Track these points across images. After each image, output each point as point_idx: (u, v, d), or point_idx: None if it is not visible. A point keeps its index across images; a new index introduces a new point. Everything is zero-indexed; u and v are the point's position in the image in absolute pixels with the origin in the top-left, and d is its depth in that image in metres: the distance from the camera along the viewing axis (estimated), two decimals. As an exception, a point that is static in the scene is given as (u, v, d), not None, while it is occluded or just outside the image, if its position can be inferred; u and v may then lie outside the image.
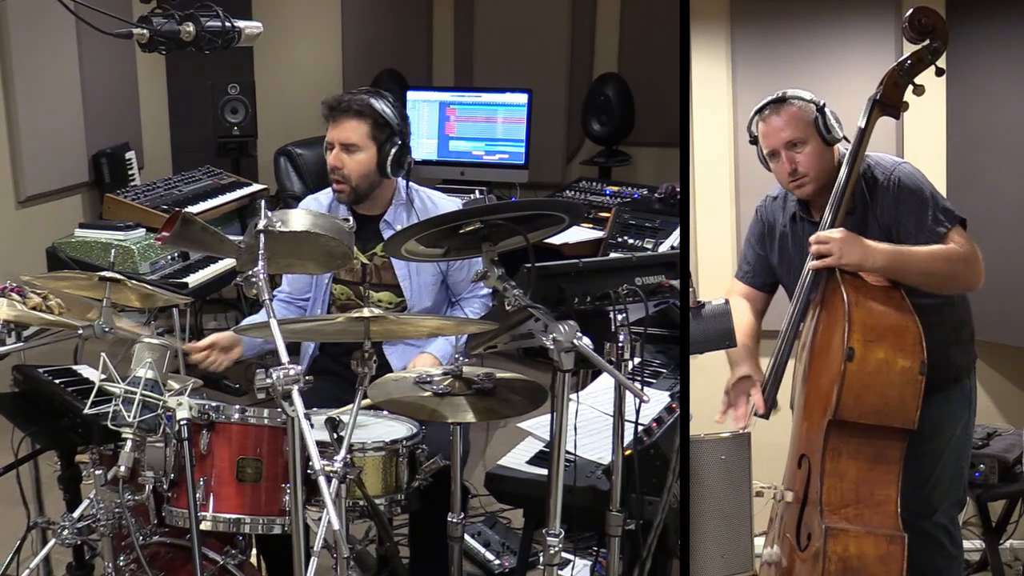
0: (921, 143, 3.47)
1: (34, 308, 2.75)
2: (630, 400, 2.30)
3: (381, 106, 3.01)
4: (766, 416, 2.63)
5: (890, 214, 2.54)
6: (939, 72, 2.53)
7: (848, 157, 2.54)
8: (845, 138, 2.58)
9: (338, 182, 3.03)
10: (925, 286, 2.50)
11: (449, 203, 3.18)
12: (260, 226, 2.15)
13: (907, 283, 2.48)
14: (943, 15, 2.52)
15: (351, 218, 2.35)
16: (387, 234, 3.07)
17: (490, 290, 3.10)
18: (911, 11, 2.49)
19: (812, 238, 2.51)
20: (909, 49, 2.53)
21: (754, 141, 2.69)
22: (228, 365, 2.99)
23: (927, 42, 2.49)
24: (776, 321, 2.71)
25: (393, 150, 3.00)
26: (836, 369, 2.39)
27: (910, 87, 2.52)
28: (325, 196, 3.17)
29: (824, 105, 2.58)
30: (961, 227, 2.53)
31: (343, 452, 2.17)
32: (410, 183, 3.13)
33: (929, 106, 3.40)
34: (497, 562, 3.38)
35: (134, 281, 2.61)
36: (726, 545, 2.55)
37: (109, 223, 4.51)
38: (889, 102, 2.52)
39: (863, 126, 2.52)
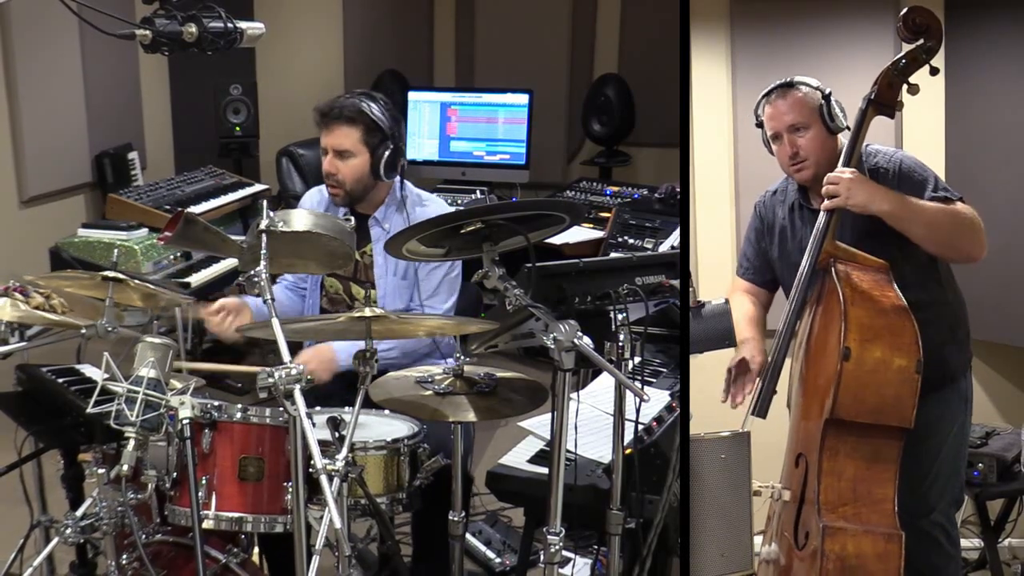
0: (920, 143, 3.47)
1: (37, 308, 2.75)
2: (630, 399, 2.31)
3: (373, 110, 3.02)
4: (762, 415, 2.64)
5: None
6: (933, 71, 2.54)
7: (843, 157, 2.55)
8: (848, 128, 2.60)
9: (333, 186, 3.08)
10: (928, 241, 2.52)
11: (436, 200, 3.22)
12: (262, 226, 2.17)
13: (911, 234, 2.49)
14: (941, 15, 2.53)
15: (352, 218, 2.37)
16: (375, 231, 3.11)
17: (451, 306, 3.11)
18: (905, 11, 2.50)
19: (824, 178, 2.52)
20: (904, 49, 2.54)
21: (760, 124, 2.71)
22: (236, 328, 2.94)
23: (921, 41, 2.50)
24: (773, 320, 2.72)
25: (386, 154, 3.02)
26: (833, 368, 2.40)
27: (904, 86, 2.53)
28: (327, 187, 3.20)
29: (830, 93, 2.61)
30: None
31: (345, 451, 2.18)
32: (405, 183, 3.15)
33: (928, 106, 3.42)
34: (498, 560, 3.39)
35: (137, 281, 2.62)
36: (726, 543, 2.55)
37: (112, 223, 4.52)
38: (883, 101, 2.53)
39: (858, 125, 2.53)
